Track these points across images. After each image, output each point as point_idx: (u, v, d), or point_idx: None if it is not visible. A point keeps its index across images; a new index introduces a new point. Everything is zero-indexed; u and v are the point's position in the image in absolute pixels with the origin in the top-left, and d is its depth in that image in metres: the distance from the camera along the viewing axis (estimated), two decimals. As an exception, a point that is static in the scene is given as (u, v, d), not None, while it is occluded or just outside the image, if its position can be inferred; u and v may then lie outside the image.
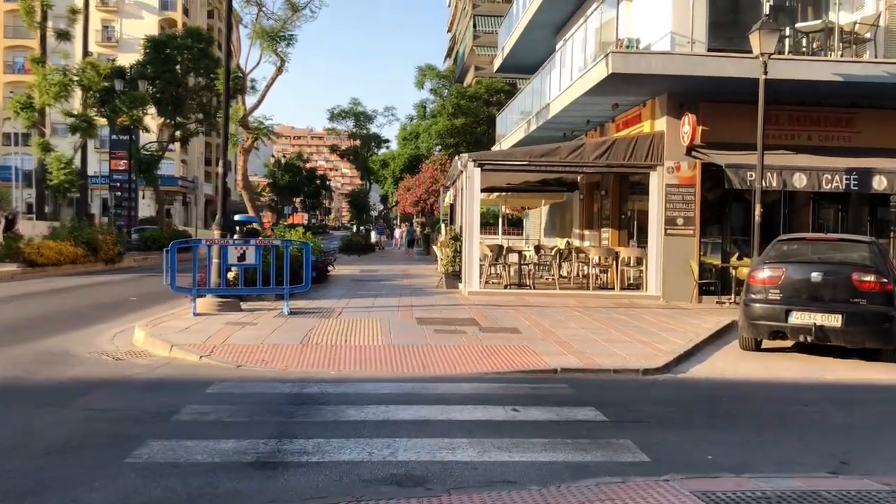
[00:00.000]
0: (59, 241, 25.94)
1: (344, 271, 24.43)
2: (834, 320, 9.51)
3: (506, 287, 17.20)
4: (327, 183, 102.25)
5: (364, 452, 5.32)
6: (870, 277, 9.55)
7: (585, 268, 18.98)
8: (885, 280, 9.51)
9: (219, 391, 7.28)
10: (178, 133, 37.91)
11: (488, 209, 31.58)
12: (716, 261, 16.72)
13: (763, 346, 10.57)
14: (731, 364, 9.55)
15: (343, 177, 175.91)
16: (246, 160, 23.01)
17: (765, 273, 10.16)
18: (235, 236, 13.18)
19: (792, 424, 6.52)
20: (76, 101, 33.09)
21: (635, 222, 19.13)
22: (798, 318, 9.71)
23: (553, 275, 18.06)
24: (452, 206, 22.66)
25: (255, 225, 14.68)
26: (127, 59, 40.72)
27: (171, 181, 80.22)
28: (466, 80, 65.46)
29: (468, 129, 50.00)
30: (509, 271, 17.81)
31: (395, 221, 74.74)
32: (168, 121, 37.08)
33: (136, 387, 7.49)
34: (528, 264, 17.98)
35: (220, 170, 12.70)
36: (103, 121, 38.02)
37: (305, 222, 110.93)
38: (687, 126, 15.49)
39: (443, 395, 7.29)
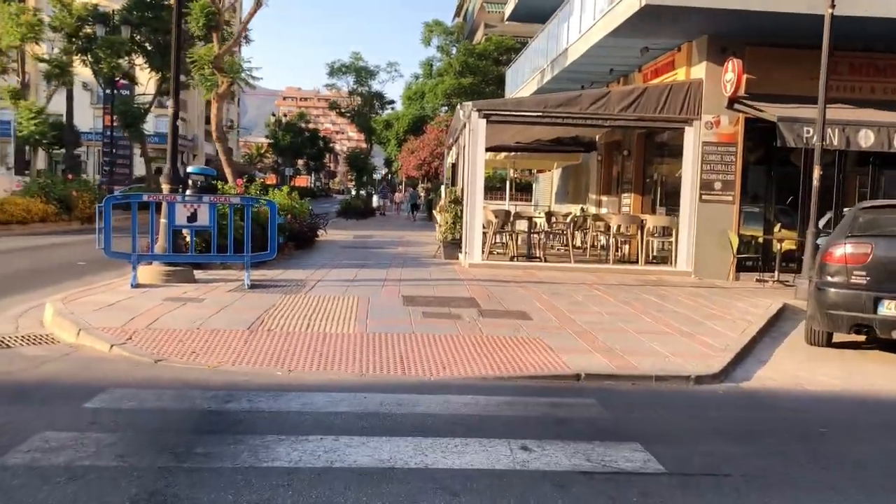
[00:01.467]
0: (28, 198, 23.87)
1: (336, 237, 22.31)
2: (941, 313, 7.30)
3: (512, 259, 14.96)
4: (330, 145, 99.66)
5: (272, 546, 3.16)
6: None
7: (603, 238, 16.76)
8: None
9: (104, 405, 5.13)
10: (165, 86, 35.39)
11: (495, 172, 29.28)
12: (756, 232, 14.49)
13: (833, 339, 8.38)
14: (804, 367, 7.36)
15: (349, 140, 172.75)
16: (221, 108, 20.57)
17: (846, 249, 7.91)
18: (188, 191, 10.96)
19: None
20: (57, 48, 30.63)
21: (661, 187, 16.86)
22: (891, 308, 7.50)
23: (567, 246, 15.83)
24: (454, 167, 20.37)
25: (213, 179, 12.40)
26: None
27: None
28: (475, 39, 62.63)
29: (476, 89, 47.54)
30: (517, 241, 15.55)
31: (399, 185, 72.46)
32: (156, 72, 34.62)
33: (-5, 394, 5.34)
34: (538, 233, 15.74)
35: (170, 110, 10.47)
36: (86, 71, 35.67)
37: (310, 185, 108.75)
38: (731, 73, 13.15)
39: (422, 416, 5.12)
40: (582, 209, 19.45)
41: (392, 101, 66.12)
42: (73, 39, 30.76)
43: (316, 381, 5.98)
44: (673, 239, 14.52)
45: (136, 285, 9.73)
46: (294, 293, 9.87)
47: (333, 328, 7.77)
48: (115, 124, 35.76)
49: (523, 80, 23.02)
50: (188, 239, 11.51)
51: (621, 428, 5.08)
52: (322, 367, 6.38)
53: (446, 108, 52.22)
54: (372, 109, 61.83)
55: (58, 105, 37.61)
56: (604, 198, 19.82)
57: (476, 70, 50.39)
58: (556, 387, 6.15)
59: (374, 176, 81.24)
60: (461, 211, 15.18)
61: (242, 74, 20.22)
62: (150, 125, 75.21)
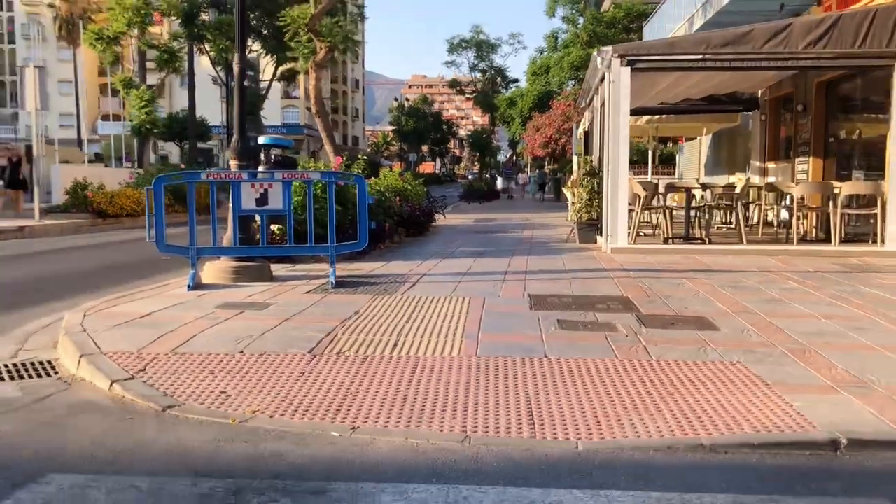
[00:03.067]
0: (140, 190, 23.06)
1: (455, 221, 20.22)
2: None
3: (666, 241, 12.11)
4: (454, 129, 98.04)
5: None
6: None
7: (775, 212, 13.62)
8: None
9: (11, 518, 2.99)
10: (280, 70, 34.33)
11: (632, 143, 26.11)
12: None
13: None
14: None
15: (474, 125, 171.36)
16: (320, 78, 18.52)
17: None
18: (260, 167, 8.92)
19: None
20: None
21: (854, 147, 13.52)
22: None
23: (733, 223, 12.83)
24: (587, 135, 17.61)
25: (287, 151, 10.34)
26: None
27: (296, 129, 78.55)
28: (603, 8, 58.91)
29: (605, 59, 44.07)
30: (670, 218, 12.62)
31: (525, 167, 69.96)
32: (271, 55, 33.54)
33: None
34: (699, 208, 12.81)
35: (235, 67, 8.44)
36: (205, 61, 35.27)
37: (435, 171, 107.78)
38: (964, -15, 9.81)
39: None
40: (747, 179, 16.26)
41: (516, 80, 63.35)
42: (188, 26, 30.07)
43: (389, 455, 3.64)
44: (877, 210, 11.28)
45: (193, 286, 7.76)
46: (388, 294, 7.60)
47: (430, 349, 5.41)
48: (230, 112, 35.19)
49: (666, 32, 19.88)
50: (280, 227, 9.61)
51: None
52: (404, 421, 4.04)
53: (573, 81, 49.24)
54: (495, 87, 59.19)
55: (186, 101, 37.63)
56: (770, 164, 16.51)
57: (605, 39, 46.92)
58: (799, 465, 3.53)
59: (499, 158, 78.85)
60: (599, 185, 12.55)
61: (341, 35, 17.92)
62: (276, 115, 76.05)
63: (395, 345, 5.53)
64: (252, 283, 8.19)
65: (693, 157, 23.42)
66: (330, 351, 5.36)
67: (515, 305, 7.00)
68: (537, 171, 51.86)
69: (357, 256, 10.31)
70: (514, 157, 77.11)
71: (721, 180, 18.33)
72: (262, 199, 7.98)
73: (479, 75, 58.80)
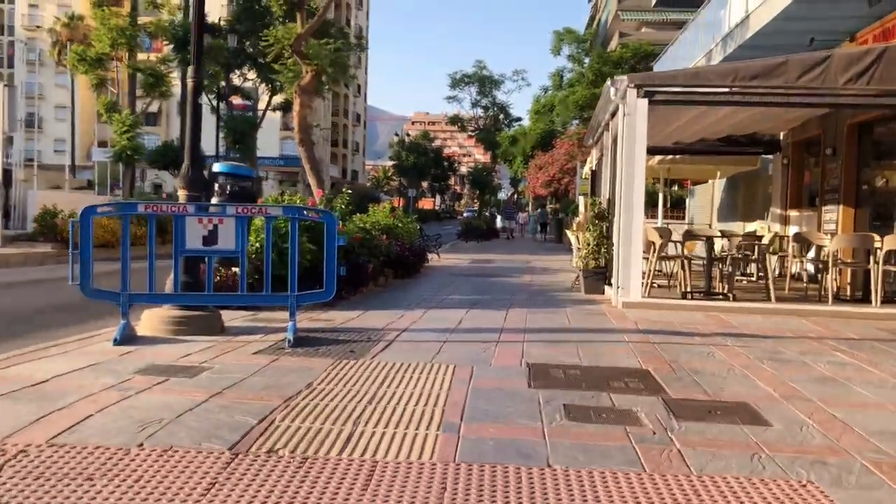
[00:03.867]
0: (116, 219, 21.79)
1: (450, 261, 18.94)
2: None
3: (685, 296, 10.76)
4: (455, 165, 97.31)
5: None
6: None
7: (804, 266, 12.34)
8: None
9: None
10: (277, 101, 33.33)
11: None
12: None
13: None
14: None
15: (476, 162, 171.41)
16: (304, 104, 17.14)
17: None
18: (214, 199, 7.63)
19: None
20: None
21: (891, 198, 12.27)
22: None
23: (760, 277, 11.53)
24: (594, 174, 16.39)
25: (250, 181, 9.06)
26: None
27: (294, 161, 77.65)
28: (610, 47, 58.38)
29: (611, 99, 43.24)
30: (687, 270, 11.28)
31: (525, 206, 69.03)
32: (266, 84, 32.54)
33: None
34: (721, 259, 11.50)
35: (189, 81, 7.16)
36: (208, 91, 34.26)
37: (435, 207, 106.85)
38: None
39: None
40: (769, 227, 14.99)
41: (519, 119, 62.53)
42: (181, 50, 29.11)
43: None
44: (924, 268, 9.98)
45: (121, 340, 6.42)
46: (355, 357, 6.24)
47: (394, 448, 4.04)
48: (230, 144, 34.15)
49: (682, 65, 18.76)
50: (237, 272, 8.32)
51: None
52: (337, 583, 2.68)
53: (577, 121, 48.41)
54: (497, 125, 58.29)
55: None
56: (793, 212, 15.25)
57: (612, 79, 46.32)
58: None
59: (499, 196, 77.91)
60: (608, 229, 11.28)
61: (329, 58, 16.51)
62: (274, 147, 75.23)
63: (349, 439, 4.16)
64: (196, 336, 6.85)
65: (705, 201, 22.18)
66: (259, 447, 3.99)
67: (511, 380, 5.63)
68: (538, 209, 50.77)
69: (332, 304, 8.99)
70: (516, 196, 76.23)
71: (736, 227, 17.08)
72: (211, 237, 6.67)
73: (480, 112, 57.92)
